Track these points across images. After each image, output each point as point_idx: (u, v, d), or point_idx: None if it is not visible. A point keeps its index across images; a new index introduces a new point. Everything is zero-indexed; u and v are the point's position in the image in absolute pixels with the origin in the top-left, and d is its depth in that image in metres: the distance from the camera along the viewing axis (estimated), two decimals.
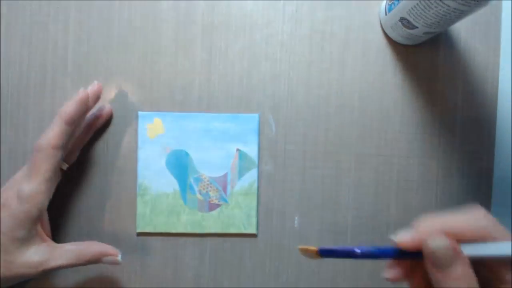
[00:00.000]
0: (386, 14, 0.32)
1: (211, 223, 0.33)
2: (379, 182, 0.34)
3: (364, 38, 0.34)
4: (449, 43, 0.34)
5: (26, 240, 0.26)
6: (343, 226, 0.33)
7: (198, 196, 0.33)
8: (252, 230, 0.33)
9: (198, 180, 0.33)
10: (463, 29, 0.34)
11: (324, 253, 0.22)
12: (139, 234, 0.33)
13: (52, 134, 0.26)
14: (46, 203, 0.27)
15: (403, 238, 0.20)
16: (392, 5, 0.30)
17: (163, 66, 0.33)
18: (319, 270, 0.33)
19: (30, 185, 0.25)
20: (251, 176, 0.33)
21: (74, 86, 0.33)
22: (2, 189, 0.27)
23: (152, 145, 0.32)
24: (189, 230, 0.32)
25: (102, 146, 0.33)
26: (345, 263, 0.33)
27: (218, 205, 0.33)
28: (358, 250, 0.21)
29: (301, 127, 0.34)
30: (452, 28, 0.34)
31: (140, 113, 0.33)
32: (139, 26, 0.33)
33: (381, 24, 0.34)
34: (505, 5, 0.34)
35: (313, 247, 0.22)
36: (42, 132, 0.27)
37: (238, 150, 0.33)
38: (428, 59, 0.34)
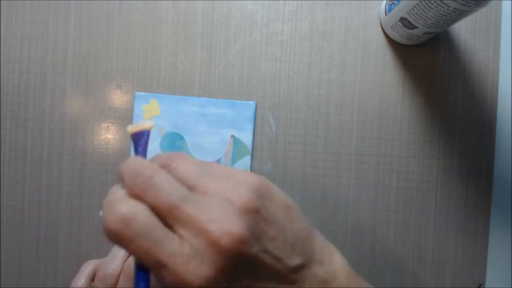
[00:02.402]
0: (386, 14, 0.32)
1: None
2: (379, 182, 0.34)
3: (364, 38, 0.34)
4: (449, 43, 0.34)
5: None
6: (343, 226, 0.33)
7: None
8: None
9: None
10: (463, 29, 0.34)
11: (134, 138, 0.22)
12: None
13: None
14: None
15: None
16: (392, 5, 0.30)
17: (163, 66, 0.33)
18: None
19: None
20: (245, 163, 0.33)
21: (74, 86, 0.33)
22: None
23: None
24: None
25: (104, 136, 0.33)
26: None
27: None
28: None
29: (301, 127, 0.34)
30: (452, 28, 0.34)
31: (137, 93, 0.33)
32: (139, 26, 0.33)
33: (381, 24, 0.34)
34: (505, 5, 0.34)
35: (131, 128, 0.21)
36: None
37: (232, 136, 0.33)
38: (428, 59, 0.34)
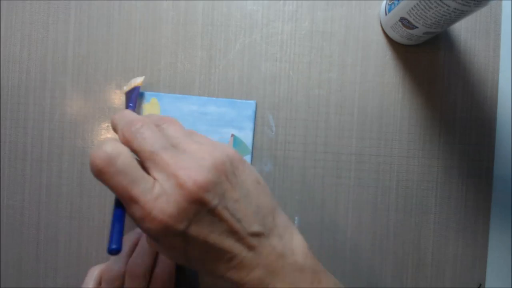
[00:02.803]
0: (386, 14, 0.32)
1: None
2: (379, 182, 0.34)
3: (364, 38, 0.34)
4: (449, 43, 0.34)
5: None
6: (343, 226, 0.33)
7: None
8: None
9: None
10: (463, 29, 0.34)
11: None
12: None
13: None
14: None
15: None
16: (392, 5, 0.30)
17: (163, 66, 0.33)
18: None
19: None
20: None
21: (74, 86, 0.33)
22: None
23: None
24: None
25: (104, 136, 0.33)
26: (345, 262, 0.33)
27: None
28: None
29: (301, 127, 0.34)
30: (452, 28, 0.34)
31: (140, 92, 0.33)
32: (139, 26, 0.33)
33: (381, 24, 0.34)
34: (505, 5, 0.34)
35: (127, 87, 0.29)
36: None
37: (233, 135, 0.33)
38: (428, 59, 0.34)
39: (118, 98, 0.33)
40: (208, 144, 0.21)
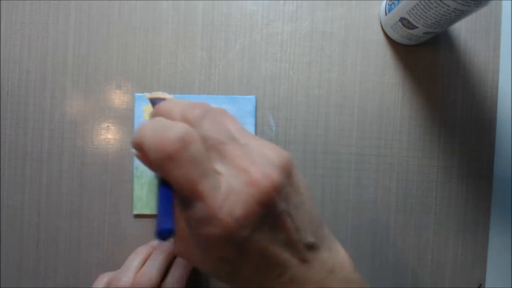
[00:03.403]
0: (386, 14, 0.32)
1: None
2: (379, 182, 0.34)
3: (364, 38, 0.34)
4: (449, 43, 0.34)
5: None
6: (343, 226, 0.33)
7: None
8: None
9: None
10: (463, 29, 0.34)
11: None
12: (136, 216, 0.33)
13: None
14: None
15: None
16: (392, 5, 0.30)
17: (163, 66, 0.33)
18: None
19: None
20: None
21: (74, 86, 0.33)
22: None
23: None
24: None
25: (104, 136, 0.33)
26: None
27: None
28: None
29: (301, 127, 0.34)
30: (452, 28, 0.34)
31: (137, 94, 0.33)
32: (139, 26, 0.33)
33: (381, 24, 0.34)
34: (505, 5, 0.34)
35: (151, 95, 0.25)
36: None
37: None
38: (428, 59, 0.34)
39: (118, 98, 0.33)
40: (266, 142, 0.19)
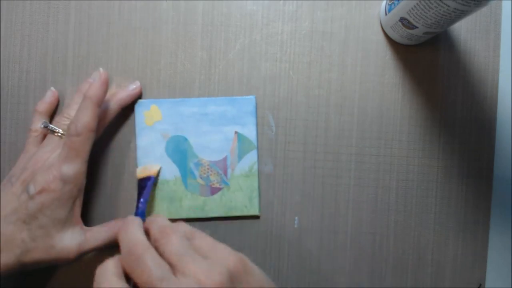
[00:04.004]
0: (386, 14, 0.32)
1: (214, 207, 0.32)
2: (379, 182, 0.34)
3: (364, 38, 0.34)
4: (449, 43, 0.34)
5: (65, 222, 0.27)
6: (343, 226, 0.33)
7: (199, 180, 0.32)
8: (255, 212, 0.33)
9: (198, 165, 0.33)
10: (463, 29, 0.34)
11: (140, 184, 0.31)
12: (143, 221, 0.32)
13: (87, 118, 0.27)
14: (84, 182, 0.28)
15: None
16: (392, 5, 0.30)
17: (163, 66, 0.33)
18: (320, 268, 0.33)
19: (73, 166, 0.27)
20: (251, 158, 0.33)
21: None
22: (37, 176, 0.27)
23: (151, 132, 0.32)
24: (191, 215, 0.32)
25: (103, 139, 0.33)
26: (345, 262, 0.33)
27: (219, 189, 0.33)
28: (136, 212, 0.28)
29: (301, 127, 0.34)
30: (452, 28, 0.34)
31: (138, 101, 0.33)
32: (139, 26, 0.33)
33: (381, 24, 0.34)
34: (505, 5, 0.34)
35: (140, 173, 0.31)
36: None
37: (236, 132, 0.33)
38: (428, 59, 0.34)
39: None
40: (207, 257, 0.22)
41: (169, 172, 0.32)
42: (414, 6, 0.27)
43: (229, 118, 0.33)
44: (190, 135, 0.32)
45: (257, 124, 0.33)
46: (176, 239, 0.23)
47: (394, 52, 0.34)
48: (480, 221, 0.34)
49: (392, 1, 0.30)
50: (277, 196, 0.33)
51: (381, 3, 0.34)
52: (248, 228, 0.33)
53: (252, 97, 0.33)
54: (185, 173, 0.32)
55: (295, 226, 0.33)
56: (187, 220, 0.32)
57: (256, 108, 0.33)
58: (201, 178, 0.32)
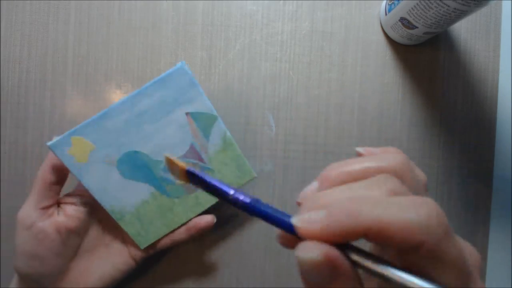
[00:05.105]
0: (386, 14, 0.32)
1: (208, 196, 0.29)
2: None
3: (364, 38, 0.34)
4: (449, 43, 0.34)
5: None
6: None
7: (178, 182, 0.29)
8: (250, 176, 0.30)
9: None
10: (463, 29, 0.34)
11: (192, 177, 0.18)
12: (145, 248, 0.30)
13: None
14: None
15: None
16: (392, 5, 0.30)
17: (163, 66, 0.33)
18: None
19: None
20: (218, 129, 0.29)
21: (74, 86, 0.33)
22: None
23: (91, 168, 0.27)
24: (190, 216, 0.30)
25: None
26: None
27: None
28: (231, 192, 0.16)
29: (301, 127, 0.34)
30: (452, 28, 0.34)
31: (49, 144, 0.26)
32: (139, 26, 0.33)
33: (381, 24, 0.34)
34: (505, 5, 0.34)
35: (182, 163, 0.18)
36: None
37: (188, 113, 0.28)
38: (428, 59, 0.34)
39: (118, 98, 0.33)
40: None
41: (142, 192, 0.28)
42: (414, 6, 0.27)
43: (170, 102, 0.27)
44: (138, 145, 0.27)
45: (203, 91, 0.28)
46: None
47: (394, 52, 0.34)
48: (480, 221, 0.34)
49: (392, 1, 0.30)
50: (277, 196, 0.33)
51: (381, 3, 0.34)
52: (248, 228, 0.33)
53: (180, 64, 0.27)
54: (158, 183, 0.28)
55: None
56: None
57: (193, 72, 0.29)
58: None
